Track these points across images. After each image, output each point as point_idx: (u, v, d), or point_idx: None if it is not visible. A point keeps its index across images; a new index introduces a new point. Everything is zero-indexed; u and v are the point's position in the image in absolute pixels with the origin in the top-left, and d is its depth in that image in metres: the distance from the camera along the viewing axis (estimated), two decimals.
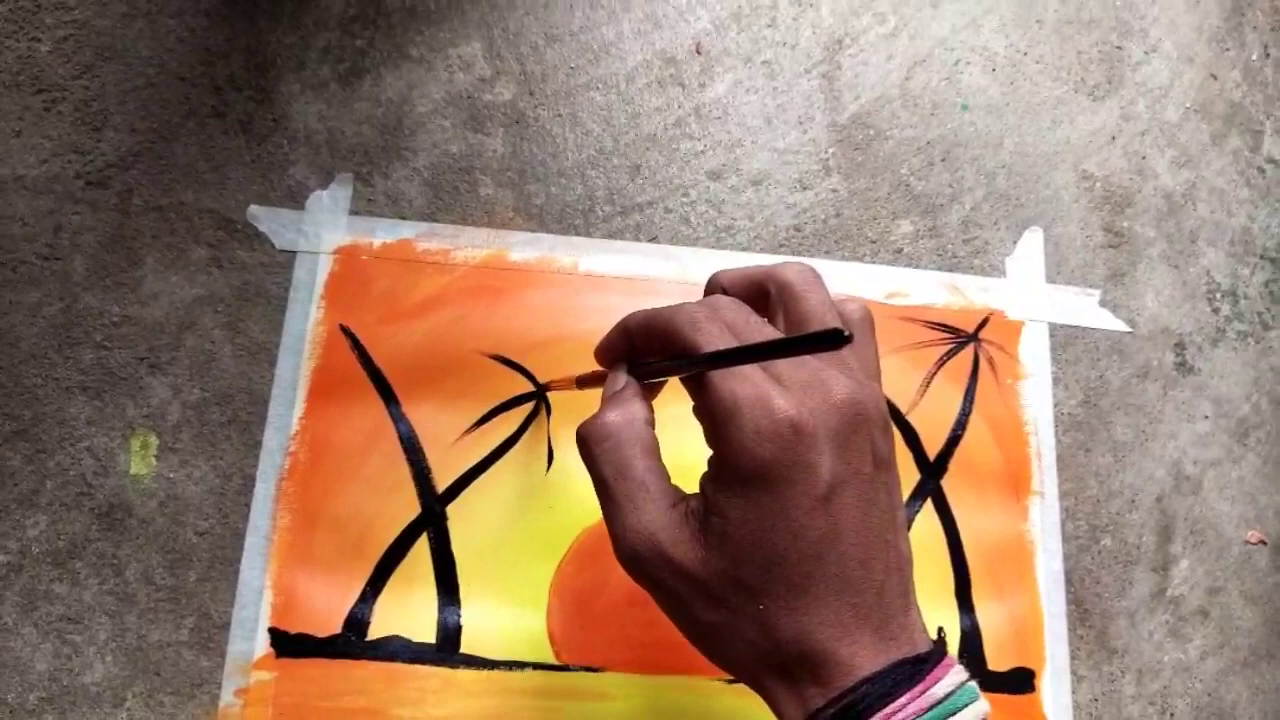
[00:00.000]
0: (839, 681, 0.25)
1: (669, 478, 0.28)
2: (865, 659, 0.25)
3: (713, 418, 0.25)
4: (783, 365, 0.26)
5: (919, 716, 0.24)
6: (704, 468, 0.28)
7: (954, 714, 0.25)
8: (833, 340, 0.21)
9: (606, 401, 0.29)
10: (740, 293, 0.29)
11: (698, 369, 0.26)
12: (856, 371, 0.27)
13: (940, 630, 0.27)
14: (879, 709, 0.24)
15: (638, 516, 0.26)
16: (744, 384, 0.25)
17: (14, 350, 0.40)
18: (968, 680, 0.26)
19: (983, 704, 0.26)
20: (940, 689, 0.25)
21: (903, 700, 0.24)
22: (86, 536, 0.39)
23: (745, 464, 0.25)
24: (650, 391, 0.31)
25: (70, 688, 0.37)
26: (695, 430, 0.27)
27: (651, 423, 0.28)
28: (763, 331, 0.27)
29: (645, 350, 0.29)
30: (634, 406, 0.28)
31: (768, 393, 0.25)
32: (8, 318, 0.40)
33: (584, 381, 0.35)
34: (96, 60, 0.43)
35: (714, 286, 0.30)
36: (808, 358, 0.26)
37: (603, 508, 0.27)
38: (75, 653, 0.38)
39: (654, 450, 0.28)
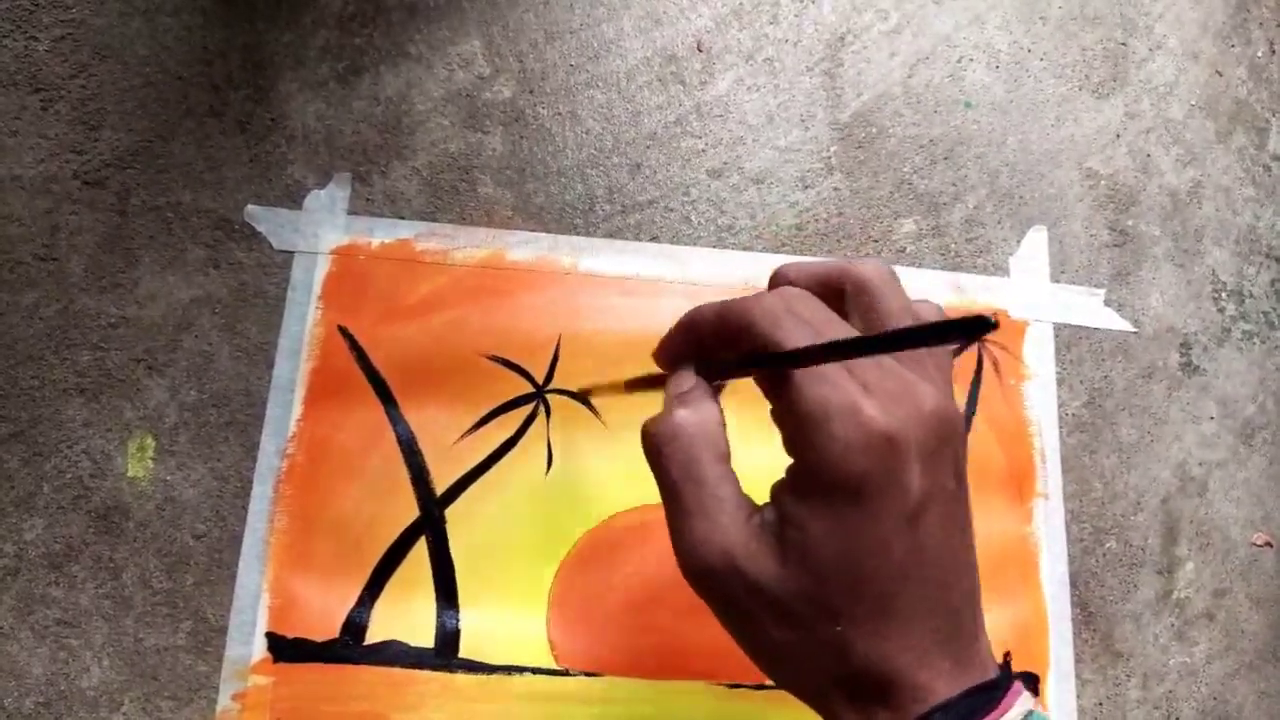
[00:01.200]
0: (912, 707, 0.24)
1: (741, 487, 0.26)
2: (941, 685, 0.24)
3: (798, 425, 0.24)
4: (870, 373, 0.24)
5: None
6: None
7: None
8: (980, 327, 0.18)
9: (675, 400, 0.26)
10: (810, 287, 0.27)
11: (771, 365, 0.24)
12: (938, 381, 0.25)
13: (1006, 655, 0.27)
14: None
15: (710, 527, 0.24)
16: (834, 389, 0.23)
17: (10, 351, 0.40)
18: (1035, 707, 0.25)
19: None
20: (1011, 716, 0.24)
21: None
22: (83, 539, 0.38)
23: (834, 476, 0.23)
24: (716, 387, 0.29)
25: (67, 692, 0.37)
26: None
27: (725, 426, 0.26)
28: (844, 330, 0.25)
29: (714, 348, 0.27)
30: (707, 407, 0.26)
31: (859, 401, 0.23)
32: (4, 319, 0.40)
33: (635, 385, 0.32)
34: (93, 59, 0.43)
35: (781, 279, 0.28)
36: (894, 365, 0.24)
37: (669, 516, 0.25)
38: (72, 657, 0.37)
39: (727, 456, 0.26)
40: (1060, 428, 0.43)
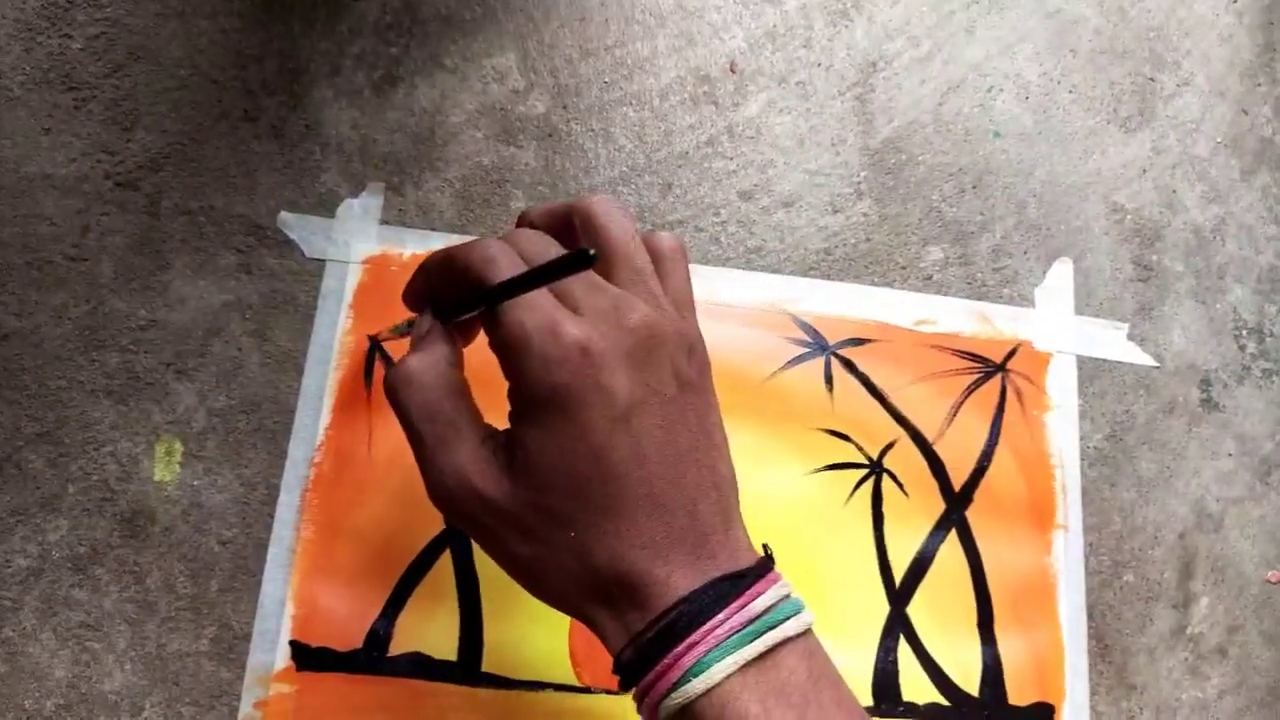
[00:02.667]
0: (656, 603, 0.25)
1: (480, 417, 0.28)
2: (682, 579, 0.25)
3: (504, 349, 0.26)
4: (580, 294, 0.26)
5: (739, 632, 0.24)
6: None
7: (774, 627, 0.25)
8: (580, 261, 0.22)
9: (411, 346, 0.29)
10: (547, 225, 0.30)
11: (485, 304, 0.26)
12: (661, 300, 0.28)
13: (765, 547, 0.28)
14: (697, 627, 0.24)
15: (447, 456, 0.26)
16: (533, 313, 0.25)
17: (39, 351, 0.40)
18: (790, 594, 0.26)
19: (806, 615, 0.26)
20: (760, 603, 0.25)
21: (720, 616, 0.25)
22: (108, 543, 0.38)
23: (538, 391, 0.25)
24: (465, 334, 0.31)
25: (88, 695, 0.37)
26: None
27: (457, 363, 0.28)
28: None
29: (445, 290, 0.29)
30: (438, 349, 0.28)
31: (557, 319, 0.25)
32: (33, 318, 0.40)
33: (401, 330, 0.36)
34: (128, 59, 0.43)
35: (523, 221, 0.31)
36: (608, 286, 0.27)
37: (414, 453, 0.27)
38: (94, 660, 0.37)
39: (461, 390, 0.28)
40: (1081, 460, 0.43)
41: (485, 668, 0.38)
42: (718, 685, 0.24)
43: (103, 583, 0.38)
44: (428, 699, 0.38)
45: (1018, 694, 0.40)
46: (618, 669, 0.27)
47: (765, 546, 0.28)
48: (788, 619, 0.25)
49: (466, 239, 0.42)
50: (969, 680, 0.40)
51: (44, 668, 0.37)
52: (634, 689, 0.26)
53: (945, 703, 0.40)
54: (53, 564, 0.38)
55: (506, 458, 0.26)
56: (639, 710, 0.27)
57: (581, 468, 0.25)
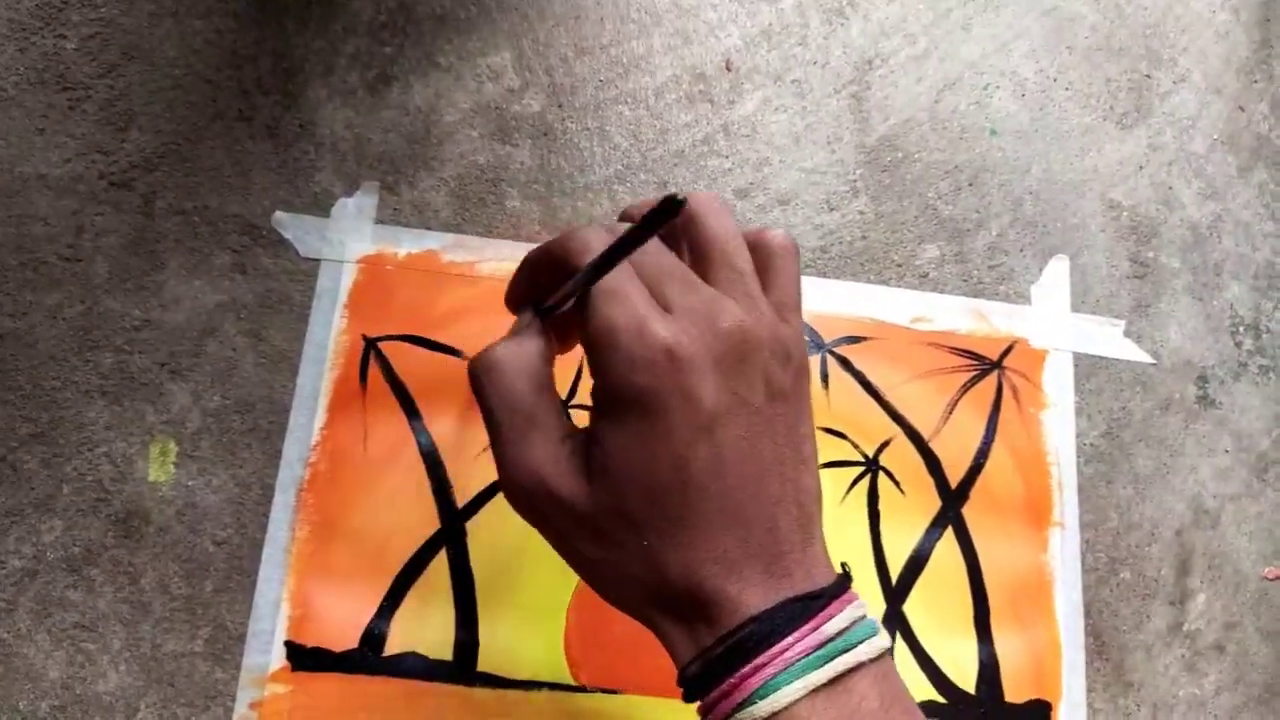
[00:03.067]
0: (726, 620, 0.24)
1: (562, 413, 0.27)
2: (754, 596, 0.24)
3: (591, 345, 0.25)
4: (674, 293, 0.25)
5: (810, 655, 0.24)
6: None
7: (847, 651, 0.24)
8: (668, 210, 0.21)
9: (503, 337, 0.28)
10: None
11: (578, 288, 0.25)
12: (760, 302, 0.26)
13: (844, 565, 0.27)
14: (767, 648, 0.24)
15: (523, 450, 0.26)
16: (623, 309, 0.24)
17: (33, 352, 0.40)
18: (865, 615, 0.25)
19: (881, 639, 0.25)
20: (833, 625, 0.24)
21: (791, 639, 0.24)
22: (102, 543, 0.38)
23: (621, 392, 0.24)
24: (564, 339, 0.30)
25: (83, 696, 0.37)
26: None
27: (548, 358, 0.27)
28: (652, 248, 0.26)
29: (546, 285, 0.28)
30: (529, 340, 0.27)
31: (646, 318, 0.24)
32: (27, 318, 0.40)
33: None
34: (122, 59, 0.43)
35: (624, 218, 0.30)
36: (703, 285, 0.26)
37: (491, 442, 0.27)
38: (89, 661, 0.37)
39: (546, 384, 0.27)
40: (1078, 457, 0.43)
41: (481, 667, 0.38)
42: (784, 709, 0.23)
43: (97, 583, 0.38)
44: (423, 699, 0.38)
45: (1014, 692, 0.40)
46: (682, 682, 0.26)
47: (844, 565, 0.27)
48: (861, 643, 0.24)
49: (463, 239, 0.42)
50: (965, 678, 0.40)
51: (38, 669, 0.37)
52: (698, 703, 0.25)
53: (942, 700, 0.40)
54: (47, 565, 0.38)
55: (584, 458, 0.25)
56: None
57: (660, 475, 0.24)
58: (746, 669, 0.24)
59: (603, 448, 0.25)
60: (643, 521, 0.24)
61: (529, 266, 0.29)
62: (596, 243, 0.26)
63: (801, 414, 0.27)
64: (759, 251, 0.28)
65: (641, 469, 0.24)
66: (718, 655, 0.24)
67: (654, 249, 0.26)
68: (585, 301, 0.25)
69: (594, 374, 0.25)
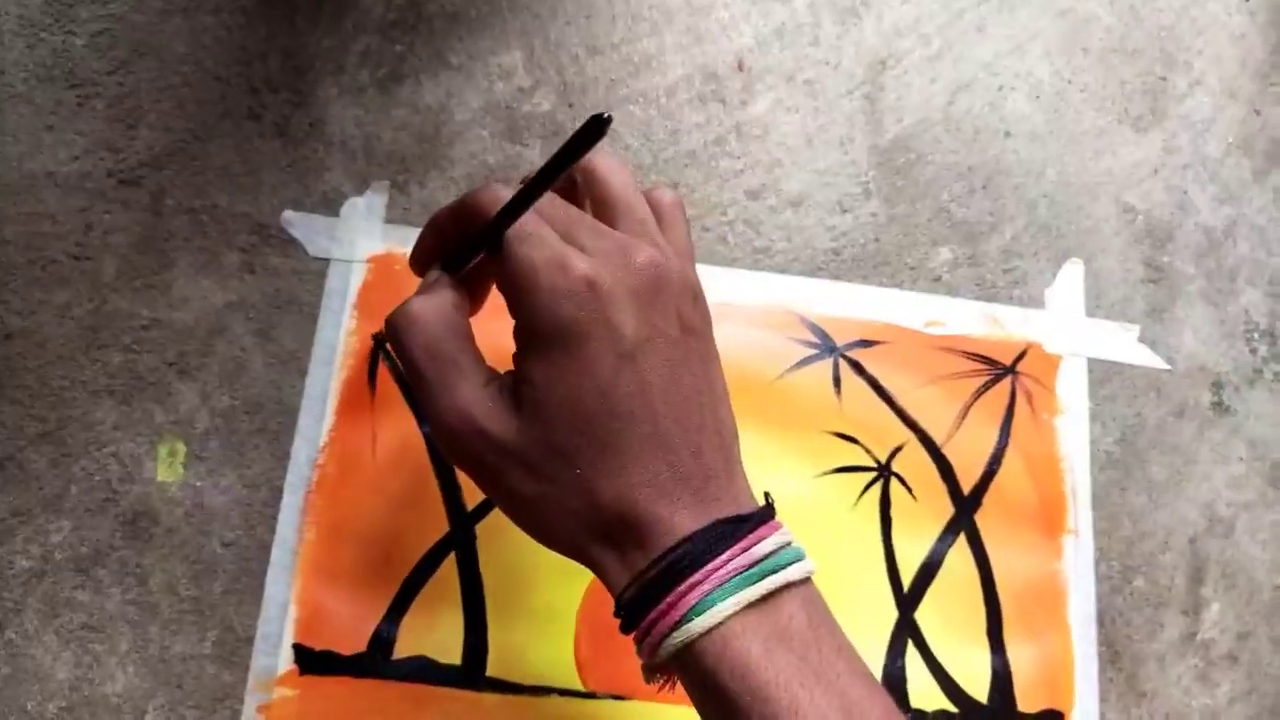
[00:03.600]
0: (660, 541, 0.25)
1: (483, 361, 0.28)
2: (686, 519, 0.25)
3: (512, 285, 0.26)
4: (585, 236, 0.26)
5: (742, 573, 0.25)
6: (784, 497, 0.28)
7: (776, 571, 0.25)
8: (597, 126, 0.22)
9: (416, 292, 0.29)
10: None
11: (492, 237, 0.26)
12: (665, 248, 0.28)
13: (767, 495, 0.28)
14: (700, 566, 0.25)
15: (450, 395, 0.26)
16: (541, 249, 0.26)
17: (41, 351, 0.39)
18: (792, 541, 0.27)
19: (808, 563, 0.26)
20: (763, 547, 0.25)
21: (723, 557, 0.25)
22: (110, 544, 0.38)
23: (545, 325, 0.25)
24: (475, 289, 0.31)
25: (90, 698, 0.37)
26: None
27: (463, 309, 0.28)
28: (558, 201, 0.28)
29: (454, 243, 0.29)
30: (442, 293, 0.28)
31: (565, 254, 0.25)
32: (36, 317, 0.40)
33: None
34: (132, 56, 0.43)
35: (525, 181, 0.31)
36: (612, 231, 0.27)
37: (417, 394, 0.28)
38: (96, 662, 0.37)
39: (464, 332, 0.28)
40: (1092, 464, 0.43)
41: (490, 672, 0.38)
42: (719, 625, 0.24)
43: (105, 584, 0.38)
44: (432, 704, 0.37)
45: (1027, 701, 0.40)
46: (619, 609, 0.27)
47: (767, 495, 0.28)
48: (790, 564, 0.25)
49: None
50: (978, 687, 0.40)
51: (46, 670, 0.37)
52: (634, 630, 0.26)
53: (954, 710, 0.39)
54: (55, 565, 0.38)
55: (512, 396, 0.26)
56: (638, 651, 0.27)
57: (588, 403, 0.25)
58: (682, 586, 0.24)
59: (530, 383, 0.26)
60: (573, 451, 0.25)
61: (435, 227, 0.30)
62: (504, 195, 0.27)
63: (712, 353, 0.28)
64: (652, 208, 0.29)
65: (569, 399, 0.25)
66: (653, 577, 0.25)
67: (559, 203, 0.28)
68: (501, 247, 0.26)
69: (515, 313, 0.27)
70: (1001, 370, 0.43)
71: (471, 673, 0.38)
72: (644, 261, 0.26)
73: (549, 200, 0.27)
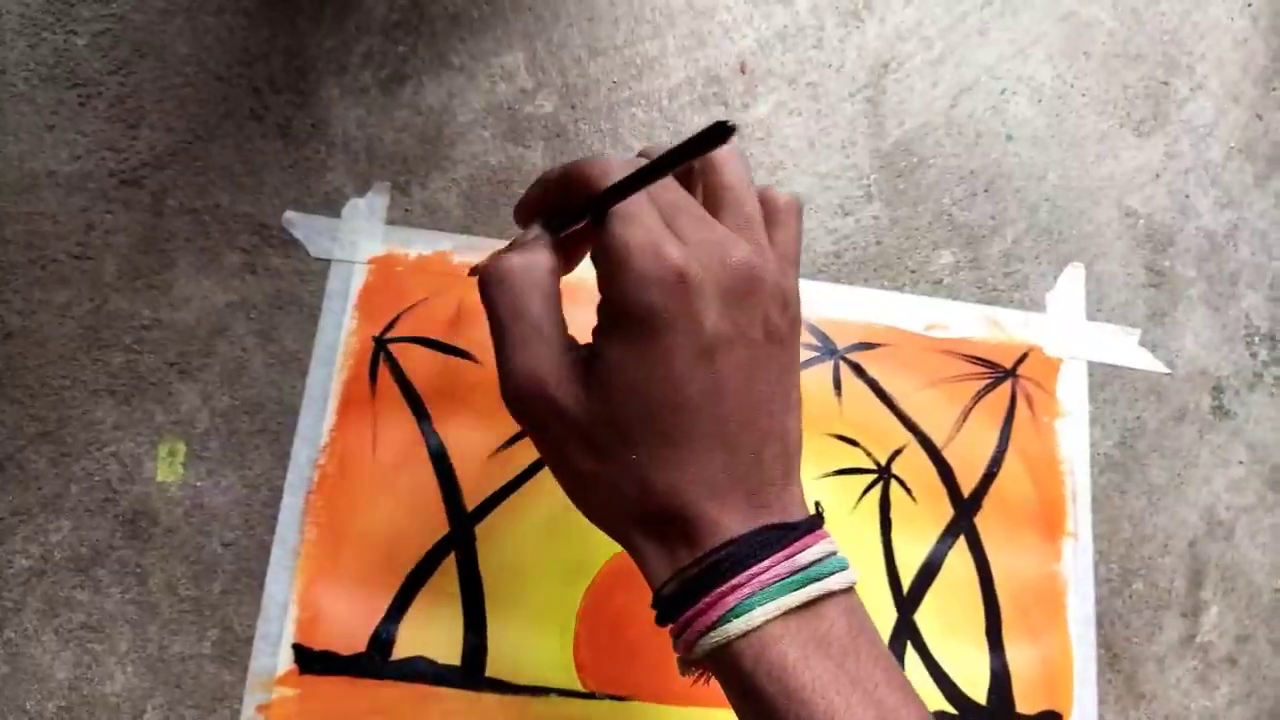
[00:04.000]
0: (706, 541, 0.25)
1: (566, 328, 0.27)
2: (734, 521, 0.25)
3: (605, 262, 0.26)
4: (687, 225, 0.26)
5: (784, 580, 0.25)
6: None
7: (818, 580, 0.25)
8: (720, 133, 0.21)
9: (511, 248, 0.28)
10: None
11: (597, 210, 0.26)
12: (767, 250, 0.27)
13: (818, 504, 0.28)
14: (743, 570, 0.25)
15: (526, 356, 0.26)
16: (638, 230, 0.25)
17: (42, 350, 0.39)
18: (837, 552, 0.26)
19: (850, 573, 0.26)
20: (807, 555, 0.25)
21: (767, 563, 0.25)
22: (110, 543, 0.38)
23: (629, 308, 0.25)
24: (570, 253, 0.31)
25: (90, 697, 0.37)
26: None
27: (556, 272, 0.28)
28: (669, 182, 0.27)
29: (560, 206, 0.29)
30: (539, 254, 0.28)
31: (660, 240, 0.25)
32: (36, 316, 0.40)
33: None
34: (133, 56, 0.43)
35: (644, 154, 0.30)
36: (716, 224, 0.27)
37: (495, 350, 0.27)
38: (95, 662, 0.37)
39: (553, 297, 0.27)
40: (1092, 467, 0.43)
41: (489, 673, 0.38)
42: (757, 629, 0.24)
43: (104, 584, 0.38)
44: (431, 704, 0.37)
45: (1025, 703, 0.40)
46: (657, 602, 0.26)
47: (817, 504, 0.28)
48: (833, 574, 0.25)
49: (474, 240, 0.42)
50: (976, 688, 0.40)
51: (45, 669, 0.37)
52: (671, 624, 0.26)
53: (953, 711, 0.39)
54: (54, 565, 0.38)
55: (585, 370, 0.26)
56: (675, 646, 0.27)
57: (657, 392, 0.25)
58: (723, 587, 0.24)
59: (604, 361, 0.25)
60: (636, 436, 0.25)
61: (545, 184, 0.30)
62: (618, 170, 0.26)
63: (793, 362, 0.28)
64: (766, 206, 0.29)
65: (640, 384, 0.25)
66: (694, 575, 0.25)
67: (671, 185, 0.27)
68: (603, 220, 0.26)
69: (603, 290, 0.26)
70: (1002, 373, 0.43)
71: (471, 673, 0.38)
72: (739, 260, 0.26)
73: (662, 182, 0.27)
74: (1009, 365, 0.44)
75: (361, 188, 0.42)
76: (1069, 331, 0.44)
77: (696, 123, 0.45)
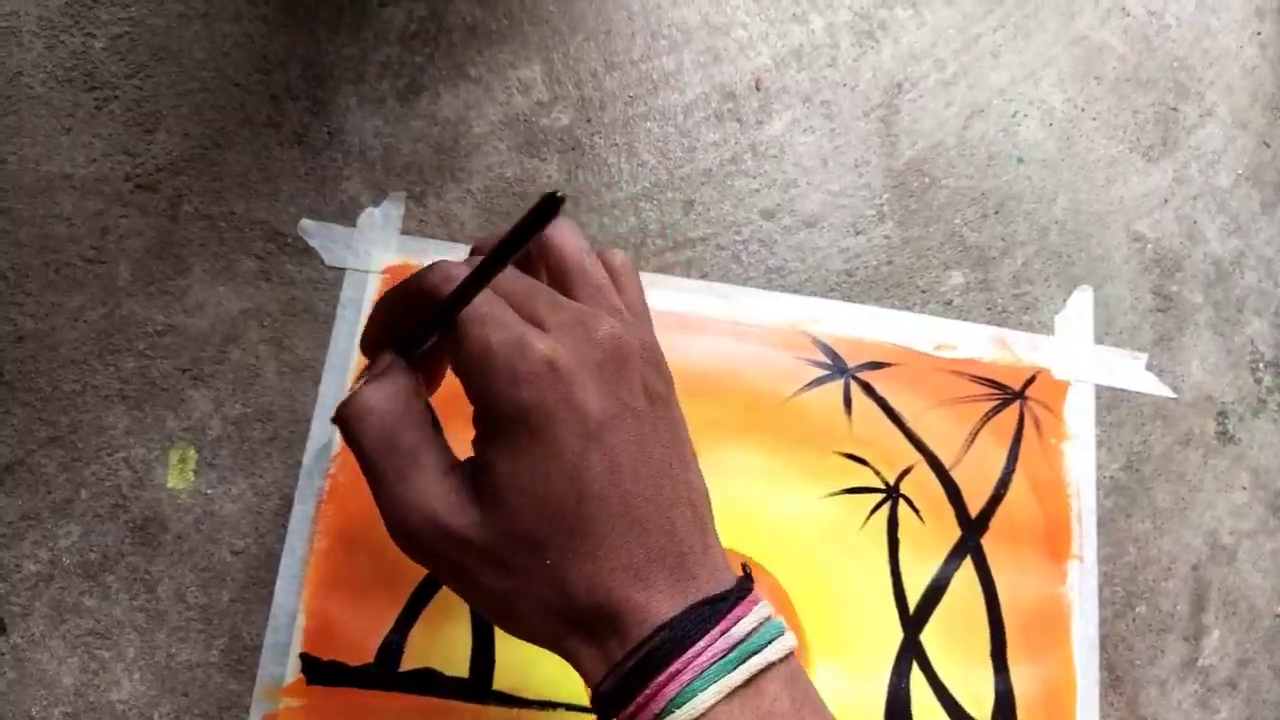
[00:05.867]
0: (637, 630, 0.24)
1: (444, 448, 0.26)
2: (662, 604, 0.24)
3: (468, 368, 0.25)
4: (543, 310, 0.25)
5: (722, 658, 0.24)
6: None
7: (756, 653, 0.24)
8: (552, 205, 0.21)
9: (366, 381, 0.27)
10: None
11: (446, 319, 0.25)
12: (624, 313, 0.27)
13: (745, 566, 0.27)
14: (679, 654, 0.23)
15: (406, 490, 0.25)
16: (497, 329, 0.24)
17: (54, 354, 0.39)
18: (771, 615, 0.26)
19: (788, 639, 0.25)
20: (741, 628, 0.24)
21: (702, 644, 0.24)
22: (119, 550, 0.38)
23: (505, 410, 0.24)
24: (430, 376, 0.30)
25: (96, 705, 0.37)
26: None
27: (420, 394, 0.27)
28: (519, 274, 0.27)
29: (406, 324, 0.27)
30: (396, 380, 0.26)
31: (523, 334, 0.24)
32: (49, 320, 0.40)
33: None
34: (151, 60, 0.43)
35: (477, 250, 0.29)
36: (569, 302, 0.26)
37: (372, 489, 0.26)
38: (102, 669, 0.37)
39: (423, 420, 0.26)
40: (1098, 490, 0.43)
41: (496, 686, 0.38)
42: (701, 716, 0.23)
43: (113, 590, 0.38)
44: (438, 716, 0.37)
45: None
46: (595, 702, 0.25)
47: (744, 566, 0.27)
48: (769, 643, 0.25)
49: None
50: (981, 709, 0.40)
51: (52, 675, 0.37)
52: None
53: None
54: (63, 570, 0.38)
55: (474, 487, 0.25)
56: None
57: (555, 488, 0.24)
58: (662, 678, 0.23)
59: (492, 472, 0.24)
60: (543, 541, 0.24)
61: (386, 307, 0.28)
62: (457, 272, 0.25)
63: (678, 418, 0.27)
64: (606, 270, 0.28)
65: (535, 486, 0.24)
66: (631, 667, 0.24)
67: (514, 275, 0.26)
68: (456, 328, 0.25)
69: (473, 398, 0.25)
70: (1010, 395, 0.44)
71: (478, 686, 0.38)
72: (605, 334, 0.25)
73: (504, 274, 0.25)
74: (1017, 387, 0.44)
75: (377, 197, 0.42)
76: (1077, 354, 0.45)
77: (711, 139, 0.45)
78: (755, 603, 0.25)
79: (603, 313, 0.26)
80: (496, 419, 0.24)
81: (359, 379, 0.30)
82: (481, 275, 0.24)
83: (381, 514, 0.25)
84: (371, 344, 0.29)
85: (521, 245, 0.23)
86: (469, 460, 0.26)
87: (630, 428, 0.25)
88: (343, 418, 0.26)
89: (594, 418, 0.24)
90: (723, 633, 0.24)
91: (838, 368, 0.43)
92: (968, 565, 0.41)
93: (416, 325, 0.27)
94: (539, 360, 0.24)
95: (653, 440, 0.25)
